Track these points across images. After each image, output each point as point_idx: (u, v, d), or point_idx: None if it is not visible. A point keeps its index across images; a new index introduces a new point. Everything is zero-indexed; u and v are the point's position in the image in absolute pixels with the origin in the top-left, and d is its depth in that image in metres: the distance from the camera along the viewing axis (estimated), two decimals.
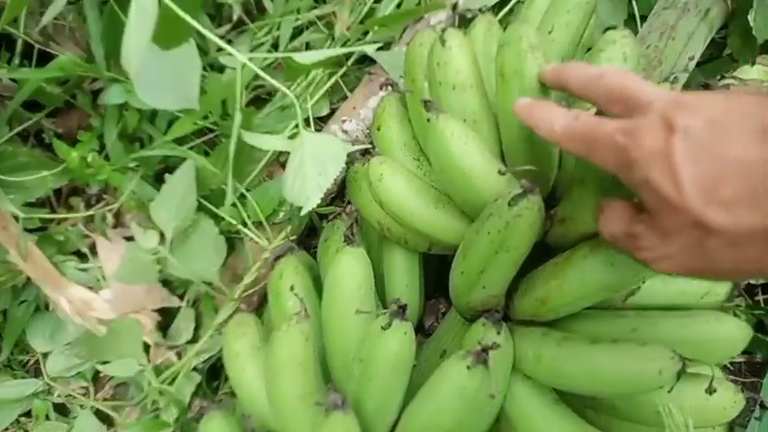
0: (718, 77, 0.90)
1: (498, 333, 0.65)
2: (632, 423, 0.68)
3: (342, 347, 0.66)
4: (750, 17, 0.84)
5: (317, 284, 0.81)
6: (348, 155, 0.73)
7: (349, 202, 0.82)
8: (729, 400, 0.66)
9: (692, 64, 0.86)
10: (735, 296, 0.71)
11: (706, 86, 0.88)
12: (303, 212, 0.66)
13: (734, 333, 0.66)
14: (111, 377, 1.12)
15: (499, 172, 0.60)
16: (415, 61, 0.77)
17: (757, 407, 0.70)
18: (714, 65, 0.94)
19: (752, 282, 1.09)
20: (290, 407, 0.65)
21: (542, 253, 0.70)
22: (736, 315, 0.85)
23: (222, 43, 0.72)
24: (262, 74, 0.76)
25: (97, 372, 1.12)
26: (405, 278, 0.82)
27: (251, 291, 0.99)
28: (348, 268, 0.67)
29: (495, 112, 0.73)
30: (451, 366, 0.60)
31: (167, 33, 0.74)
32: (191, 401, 0.96)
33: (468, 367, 0.58)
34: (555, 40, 0.78)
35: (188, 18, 0.71)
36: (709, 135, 0.41)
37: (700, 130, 0.41)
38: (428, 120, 0.66)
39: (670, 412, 0.62)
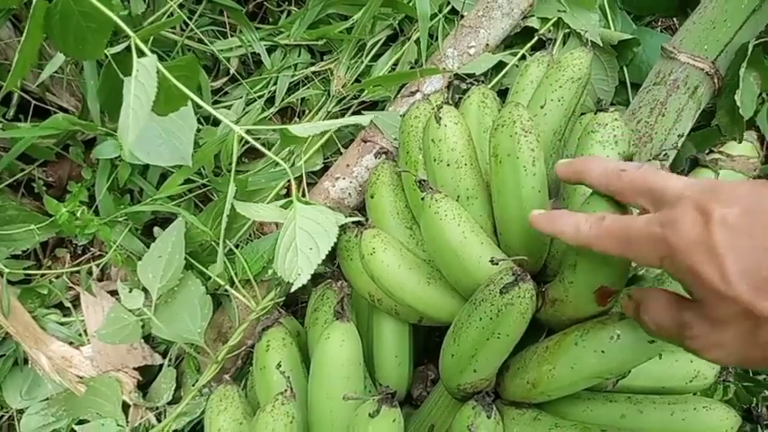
0: (707, 151, 0.92)
1: (489, 417, 0.64)
2: None
3: (328, 430, 0.65)
4: (737, 97, 0.86)
5: (305, 354, 0.80)
6: (348, 229, 0.73)
7: (339, 267, 0.82)
8: None
9: (681, 141, 0.87)
10: (721, 380, 0.71)
11: (695, 159, 0.90)
12: (294, 288, 0.65)
13: (723, 422, 0.66)
14: None
15: (491, 261, 0.59)
16: (410, 133, 0.78)
17: None
18: (703, 134, 0.95)
19: None
20: None
21: (534, 328, 0.69)
22: (725, 389, 0.84)
23: (218, 114, 0.72)
24: (251, 140, 0.76)
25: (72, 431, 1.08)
26: (394, 349, 0.81)
27: (235, 353, 0.97)
28: (336, 346, 0.66)
29: (488, 187, 0.73)
30: None
31: (166, 102, 0.74)
32: None
33: None
34: (547, 114, 0.80)
35: (185, 90, 0.71)
36: (747, 224, 0.42)
37: (737, 219, 0.42)
38: (422, 199, 0.66)
39: None
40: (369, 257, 0.70)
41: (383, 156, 0.83)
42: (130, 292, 0.93)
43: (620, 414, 0.65)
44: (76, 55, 0.78)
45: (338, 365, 0.65)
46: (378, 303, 0.78)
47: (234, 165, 0.91)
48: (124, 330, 0.92)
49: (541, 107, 0.80)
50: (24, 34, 0.72)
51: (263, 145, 1.20)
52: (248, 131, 1.12)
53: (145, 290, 0.94)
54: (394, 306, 0.77)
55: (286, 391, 0.63)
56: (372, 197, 0.81)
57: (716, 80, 0.90)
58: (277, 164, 1.13)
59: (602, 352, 0.60)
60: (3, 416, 1.10)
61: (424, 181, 0.66)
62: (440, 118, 0.71)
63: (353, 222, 0.79)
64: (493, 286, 0.59)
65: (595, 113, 0.76)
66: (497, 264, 0.60)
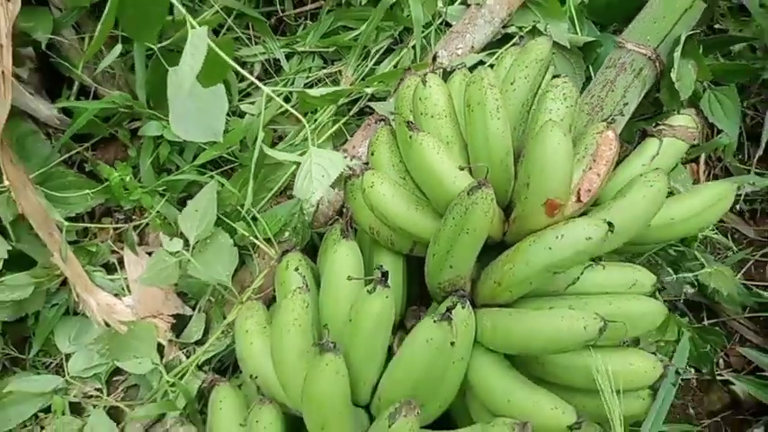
0: (654, 125, 1.10)
1: (463, 307, 0.80)
2: (569, 391, 0.81)
3: (335, 314, 0.81)
4: (673, 75, 1.05)
5: (317, 280, 0.96)
6: (349, 169, 0.91)
7: (344, 212, 0.99)
8: (650, 366, 0.80)
9: (627, 108, 1.06)
10: (659, 289, 0.86)
11: (644, 131, 1.08)
12: (313, 201, 0.83)
13: (652, 309, 0.81)
14: (124, 380, 1.24)
15: (459, 168, 0.77)
16: (403, 98, 0.97)
17: (673, 373, 0.83)
18: (653, 117, 1.14)
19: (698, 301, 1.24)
20: (291, 362, 0.79)
21: (502, 251, 0.86)
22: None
23: (252, 79, 0.92)
24: (280, 101, 0.95)
25: (111, 375, 1.24)
26: (391, 277, 0.96)
27: (258, 296, 1.14)
28: (343, 253, 0.83)
29: (465, 137, 0.92)
30: (422, 324, 0.75)
31: (210, 72, 0.94)
32: (200, 388, 1.08)
33: (434, 321, 0.73)
34: (516, 89, 0.99)
35: (227, 58, 0.91)
36: None
37: None
38: (410, 137, 0.84)
39: (599, 373, 0.76)
40: (369, 190, 0.88)
41: (381, 122, 1.01)
42: (171, 239, 1.11)
43: (568, 305, 0.81)
44: (137, 36, 0.99)
45: (344, 266, 0.82)
46: (377, 235, 0.95)
47: (260, 137, 1.10)
48: (164, 272, 1.09)
49: (511, 83, 0.99)
50: (103, 18, 0.93)
51: (280, 137, 1.41)
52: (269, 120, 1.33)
53: (183, 238, 1.11)
54: (390, 236, 0.94)
55: (302, 286, 0.80)
56: (373, 154, 0.99)
57: (657, 64, 1.09)
58: (294, 145, 1.33)
59: (550, 249, 0.77)
60: (51, 362, 1.27)
61: (411, 122, 0.85)
62: (426, 81, 0.91)
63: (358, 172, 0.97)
64: (462, 193, 0.76)
65: (552, 78, 0.94)
66: (464, 169, 0.77)
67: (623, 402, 0.79)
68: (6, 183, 1.07)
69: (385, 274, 0.76)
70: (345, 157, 0.95)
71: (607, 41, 1.32)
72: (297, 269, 0.87)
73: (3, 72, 1.01)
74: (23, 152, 1.18)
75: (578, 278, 0.85)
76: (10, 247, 1.14)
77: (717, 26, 1.33)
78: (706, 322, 1.25)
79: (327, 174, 0.84)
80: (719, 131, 1.23)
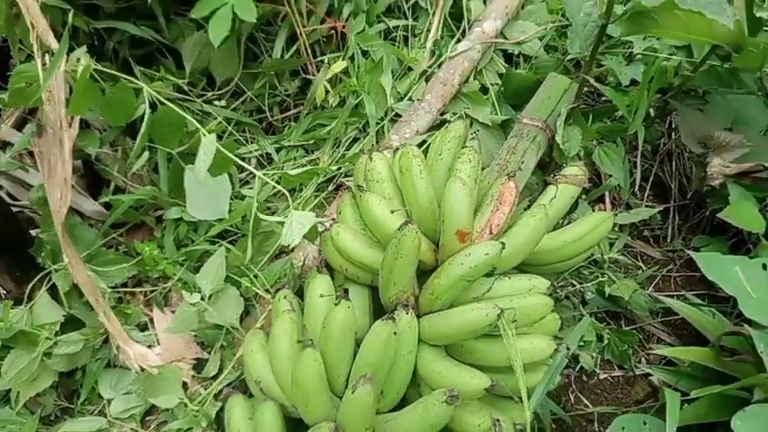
0: (552, 176, 1.46)
1: (407, 313, 1.11)
2: (490, 370, 1.10)
3: (313, 324, 1.12)
4: (558, 138, 1.42)
5: (303, 311, 1.27)
6: (323, 227, 1.25)
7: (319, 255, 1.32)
8: (545, 344, 1.09)
9: (524, 165, 1.41)
10: (553, 293, 1.17)
11: (545, 181, 1.44)
12: (292, 246, 1.16)
13: (539, 301, 1.11)
14: (155, 419, 1.51)
15: (391, 211, 1.12)
16: (358, 171, 1.34)
17: (566, 351, 1.12)
18: (551, 169, 1.50)
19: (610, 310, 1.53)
20: (282, 363, 1.09)
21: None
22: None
23: (249, 169, 1.29)
24: (269, 181, 1.31)
25: (144, 415, 1.51)
26: (359, 304, 1.28)
27: None
28: (317, 281, 1.16)
29: (401, 194, 1.27)
30: (374, 325, 1.05)
31: (217, 165, 1.30)
32: (217, 413, 1.35)
33: (382, 321, 1.04)
34: (443, 158, 1.35)
35: (230, 155, 1.28)
36: None
37: None
38: (360, 196, 1.19)
39: (510, 351, 1.06)
40: (335, 237, 1.21)
41: (347, 190, 1.37)
42: (191, 294, 1.43)
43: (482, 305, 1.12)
44: (164, 144, 1.37)
45: (318, 290, 1.14)
46: (346, 272, 1.27)
47: (255, 206, 1.45)
48: (187, 320, 1.40)
49: (439, 155, 1.36)
50: (140, 134, 1.31)
51: (273, 212, 1.76)
52: (265, 199, 1.68)
53: (200, 293, 1.43)
54: (355, 271, 1.26)
55: (289, 308, 1.11)
56: (340, 213, 1.34)
57: (548, 131, 1.47)
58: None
59: (462, 264, 1.09)
60: (95, 409, 1.54)
61: (361, 186, 1.20)
62: (371, 157, 1.27)
63: (329, 226, 1.32)
64: (396, 230, 1.10)
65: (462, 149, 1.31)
66: (394, 213, 1.11)
67: (528, 375, 1.08)
68: (65, 261, 1.41)
69: (346, 291, 1.08)
70: (320, 218, 1.29)
71: (516, 118, 1.71)
72: (285, 297, 1.19)
73: (66, 179, 1.38)
74: (74, 238, 1.52)
75: (491, 288, 1.16)
76: (65, 312, 1.46)
77: (604, 98, 1.72)
78: (625, 328, 1.53)
79: (303, 226, 1.18)
80: (610, 176, 1.58)
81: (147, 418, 1.52)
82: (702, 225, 1.62)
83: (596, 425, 1.42)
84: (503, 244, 1.10)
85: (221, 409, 1.42)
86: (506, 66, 1.91)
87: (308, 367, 1.01)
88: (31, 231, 1.52)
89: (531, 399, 1.07)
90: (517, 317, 1.07)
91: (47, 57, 1.36)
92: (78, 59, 1.43)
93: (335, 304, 1.07)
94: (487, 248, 1.09)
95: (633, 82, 1.67)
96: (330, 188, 1.79)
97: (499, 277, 1.18)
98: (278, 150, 1.87)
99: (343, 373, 1.10)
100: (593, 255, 1.54)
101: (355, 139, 1.86)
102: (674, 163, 1.67)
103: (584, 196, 1.61)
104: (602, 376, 1.48)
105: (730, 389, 1.10)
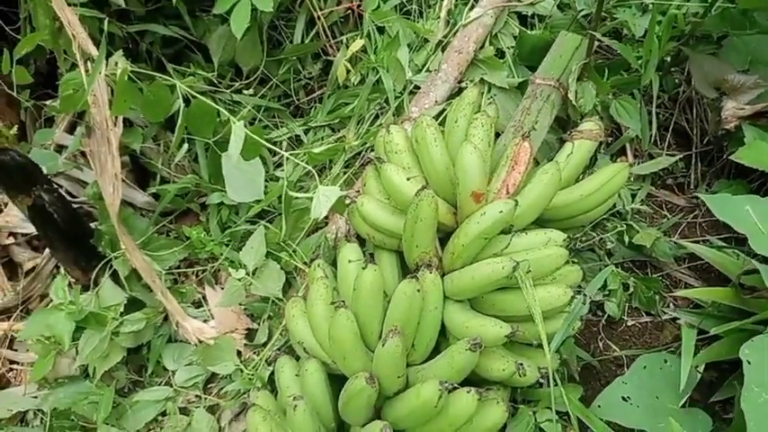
0: (568, 132, 1.50)
1: (430, 272, 1.20)
2: (512, 320, 1.17)
3: (345, 288, 1.22)
4: (571, 95, 1.45)
5: (336, 278, 1.38)
6: (348, 198, 1.35)
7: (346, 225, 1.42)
8: (561, 292, 1.16)
9: (539, 125, 1.45)
10: (569, 244, 1.23)
11: (561, 139, 1.48)
12: (318, 218, 1.26)
13: (553, 252, 1.17)
14: (217, 385, 1.67)
15: (407, 179, 1.20)
16: (378, 144, 1.42)
17: (584, 298, 1.18)
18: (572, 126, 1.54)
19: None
20: (319, 324, 1.20)
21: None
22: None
23: (278, 152, 1.39)
24: (295, 160, 1.41)
25: (206, 383, 1.67)
26: (389, 268, 1.37)
27: None
28: (346, 249, 1.26)
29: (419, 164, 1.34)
30: (400, 284, 1.15)
31: (249, 150, 1.41)
32: (271, 373, 1.49)
33: (408, 280, 1.13)
34: (459, 125, 1.41)
35: (259, 139, 1.38)
36: None
37: None
38: (379, 167, 1.28)
39: (529, 300, 1.13)
40: (360, 207, 1.31)
41: (370, 163, 1.45)
42: (237, 271, 1.56)
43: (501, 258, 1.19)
44: (200, 134, 1.49)
45: (347, 256, 1.25)
46: (373, 240, 1.36)
47: (285, 184, 1.56)
48: (235, 294, 1.54)
49: (455, 122, 1.43)
50: (178, 127, 1.43)
51: (306, 191, 1.87)
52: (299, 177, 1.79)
53: (245, 268, 1.56)
54: (382, 238, 1.35)
55: (323, 276, 1.22)
56: (365, 185, 1.43)
57: (561, 89, 1.50)
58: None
59: (478, 222, 1.17)
60: (161, 380, 1.71)
61: (380, 158, 1.28)
62: (389, 130, 1.35)
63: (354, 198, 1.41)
64: (414, 196, 1.18)
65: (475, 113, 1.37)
66: (410, 180, 1.19)
67: (548, 322, 1.15)
68: (122, 249, 1.56)
69: (372, 255, 1.17)
70: (345, 191, 1.39)
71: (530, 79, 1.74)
72: (319, 266, 1.30)
73: (116, 174, 1.52)
74: (128, 227, 1.67)
75: (509, 244, 1.23)
76: (127, 295, 1.62)
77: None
78: (652, 276, 1.57)
79: (329, 199, 1.28)
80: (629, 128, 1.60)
81: (209, 386, 1.68)
82: (726, 170, 1.62)
83: (626, 369, 1.47)
84: (516, 201, 1.17)
85: (273, 373, 1.56)
86: (521, 27, 1.93)
87: (342, 325, 1.12)
88: (91, 224, 1.69)
89: (552, 343, 1.14)
90: (532, 268, 1.14)
91: (89, 64, 1.49)
92: (116, 63, 1.56)
93: (363, 268, 1.17)
94: (501, 206, 1.16)
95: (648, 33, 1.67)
96: (357, 164, 1.88)
97: (517, 233, 1.25)
98: (306, 132, 1.97)
99: (376, 329, 1.20)
100: (615, 206, 1.58)
101: (378, 115, 1.93)
102: (694, 110, 1.67)
103: (603, 150, 1.64)
104: (629, 323, 1.53)
105: (746, 323, 1.14)
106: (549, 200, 1.25)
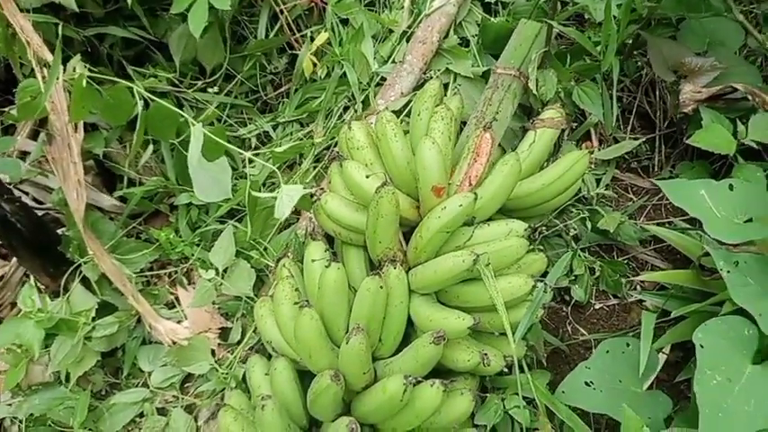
0: (531, 121, 1.50)
1: (395, 268, 1.21)
2: (476, 311, 1.19)
3: (310, 286, 1.23)
4: (531, 84, 1.46)
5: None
6: (313, 196, 1.35)
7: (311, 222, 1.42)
8: (523, 282, 1.17)
9: (501, 115, 1.46)
10: (529, 235, 1.24)
11: (524, 128, 1.49)
12: (281, 218, 1.26)
13: (515, 243, 1.19)
14: (194, 385, 1.67)
15: (366, 176, 1.20)
16: (341, 140, 1.42)
17: (544, 287, 1.20)
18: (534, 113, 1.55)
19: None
20: (286, 323, 1.21)
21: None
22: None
23: (248, 155, 1.38)
24: (256, 160, 1.41)
25: (182, 383, 1.67)
26: (356, 263, 1.38)
27: None
28: (311, 247, 1.26)
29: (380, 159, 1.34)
30: (364, 280, 1.16)
31: (211, 150, 1.40)
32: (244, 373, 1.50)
33: (371, 276, 1.14)
34: (422, 118, 1.41)
35: (220, 141, 1.38)
36: None
37: None
38: (340, 164, 1.28)
39: (491, 291, 1.15)
40: (324, 205, 1.31)
41: (336, 160, 1.45)
42: (207, 271, 1.56)
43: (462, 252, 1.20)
44: (162, 136, 1.48)
45: (311, 255, 1.25)
46: (339, 236, 1.37)
47: (248, 184, 1.55)
48: (206, 294, 1.54)
49: (418, 115, 1.43)
50: (137, 130, 1.42)
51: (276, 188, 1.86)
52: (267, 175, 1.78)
53: (215, 269, 1.56)
54: (347, 234, 1.36)
55: (289, 275, 1.22)
56: (330, 182, 1.43)
57: (522, 78, 1.51)
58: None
59: (439, 217, 1.18)
60: (138, 382, 1.71)
61: (340, 155, 1.28)
62: (350, 126, 1.35)
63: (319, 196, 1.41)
64: (374, 193, 1.18)
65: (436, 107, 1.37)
66: (369, 177, 1.20)
67: (511, 312, 1.17)
68: (91, 254, 1.55)
69: (335, 254, 1.18)
70: (307, 189, 1.38)
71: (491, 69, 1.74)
72: (285, 265, 1.31)
73: (79, 180, 1.51)
74: (97, 232, 1.66)
75: (471, 236, 1.25)
76: (98, 299, 1.62)
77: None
78: (618, 259, 1.59)
79: (292, 198, 1.28)
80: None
81: (185, 385, 1.68)
82: (689, 152, 1.64)
83: (594, 352, 1.50)
84: (476, 194, 1.18)
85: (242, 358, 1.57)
86: (485, 15, 1.92)
87: (307, 325, 1.13)
88: (60, 230, 1.67)
89: (516, 332, 1.16)
90: (492, 260, 1.16)
91: (45, 70, 1.47)
92: (74, 68, 1.54)
93: (326, 266, 1.18)
94: (461, 200, 1.17)
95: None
96: (327, 158, 1.87)
97: (479, 225, 1.26)
98: (275, 128, 1.96)
99: (342, 326, 1.21)
100: (580, 191, 1.59)
101: (346, 108, 1.92)
102: (656, 93, 1.68)
103: (566, 136, 1.65)
104: (597, 306, 1.56)
105: (704, 305, 1.17)
106: (510, 191, 1.26)
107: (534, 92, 1.47)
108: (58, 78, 1.44)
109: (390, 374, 1.15)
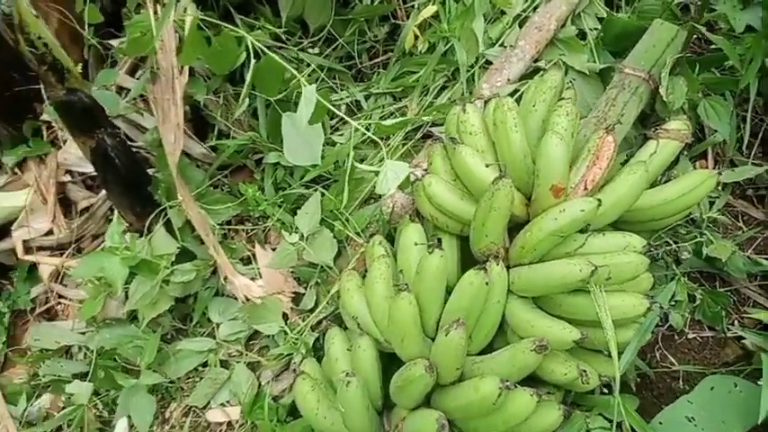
0: (653, 129, 1.41)
1: (497, 264, 1.15)
2: (578, 324, 1.12)
3: (407, 270, 1.19)
4: (662, 91, 1.35)
5: (394, 256, 1.34)
6: (415, 176, 1.30)
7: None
8: (638, 302, 1.10)
9: (625, 119, 1.37)
10: (648, 252, 1.16)
11: (644, 135, 1.39)
12: (386, 195, 1.22)
13: (634, 259, 1.11)
14: (257, 343, 1.67)
15: (486, 165, 1.14)
16: (450, 122, 1.35)
17: (659, 310, 1.12)
18: (652, 122, 1.44)
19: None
20: (378, 303, 1.17)
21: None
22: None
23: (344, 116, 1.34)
24: (362, 129, 1.36)
25: (248, 340, 1.67)
26: (448, 252, 1.32)
27: None
28: (411, 229, 1.22)
29: (494, 146, 1.28)
30: (467, 273, 1.10)
31: (314, 114, 1.36)
32: (316, 339, 1.48)
33: (475, 270, 1.09)
34: (537, 110, 1.33)
35: (326, 104, 1.33)
36: None
37: None
38: (453, 148, 1.22)
39: (600, 308, 1.08)
40: (427, 187, 1.26)
41: (437, 141, 1.39)
42: (290, 234, 1.53)
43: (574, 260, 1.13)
44: (265, 91, 1.44)
45: (413, 236, 1.20)
46: (436, 221, 1.32)
47: (351, 155, 1.50)
48: (287, 257, 1.52)
49: (533, 106, 1.34)
50: (247, 82, 1.39)
51: (362, 159, 1.82)
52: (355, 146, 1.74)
53: (299, 233, 1.54)
54: (445, 221, 1.30)
55: (384, 254, 1.18)
56: (431, 164, 1.37)
57: (651, 83, 1.40)
58: (372, 164, 1.74)
59: (555, 219, 1.11)
60: (204, 331, 1.72)
61: (454, 138, 1.22)
62: (465, 109, 1.28)
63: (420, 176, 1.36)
64: (490, 184, 1.12)
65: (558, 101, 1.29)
66: (489, 167, 1.13)
67: (618, 331, 1.10)
68: (180, 198, 1.54)
69: (440, 240, 1.13)
70: (411, 168, 1.33)
71: (616, 68, 1.63)
72: (380, 243, 1.26)
73: (178, 123, 1.49)
74: (185, 178, 1.65)
75: (584, 244, 1.17)
76: (179, 245, 1.62)
77: (713, 46, 1.60)
78: (720, 289, 1.49)
79: (397, 176, 1.23)
80: (715, 131, 1.50)
81: (250, 342, 1.68)
82: None
83: (681, 383, 1.42)
84: (599, 201, 1.11)
85: (317, 339, 1.55)
86: (607, 9, 1.80)
87: (404, 308, 1.09)
88: (147, 171, 1.68)
89: (624, 355, 1.10)
90: (611, 274, 1.09)
91: (157, 6, 1.45)
92: (185, 9, 1.51)
93: (429, 252, 1.13)
94: (583, 205, 1.10)
95: (748, 29, 1.54)
96: (417, 137, 1.81)
97: (593, 233, 1.19)
98: (366, 98, 1.90)
99: (434, 316, 1.17)
100: (690, 213, 1.49)
101: (444, 87, 1.85)
102: None
103: (685, 152, 1.54)
104: (690, 336, 1.47)
105: None
106: (633, 202, 1.18)
107: (664, 99, 1.37)
108: (169, 18, 1.42)
109: (480, 374, 1.10)
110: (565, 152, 1.12)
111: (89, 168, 1.66)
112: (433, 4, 1.84)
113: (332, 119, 1.89)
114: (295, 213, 1.67)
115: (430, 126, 1.78)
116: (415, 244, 1.19)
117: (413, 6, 1.87)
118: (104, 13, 1.82)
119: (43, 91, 1.59)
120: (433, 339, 1.20)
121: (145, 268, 1.52)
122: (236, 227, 1.75)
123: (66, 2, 1.47)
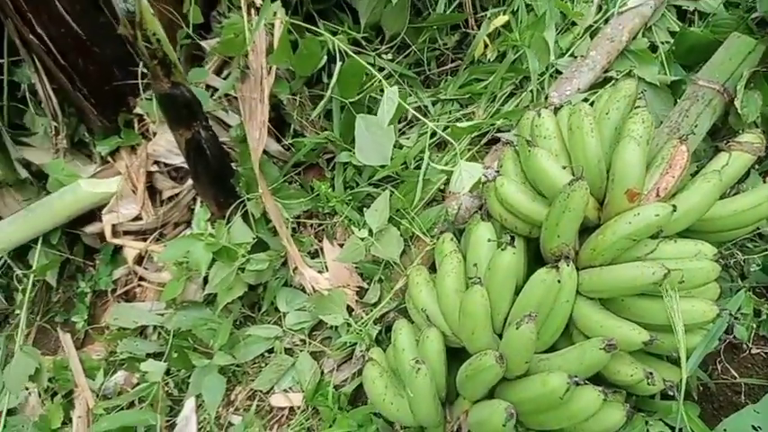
0: (725, 142, 1.41)
1: (567, 265, 1.19)
2: (646, 327, 1.14)
3: (479, 266, 1.24)
4: (737, 103, 1.36)
5: (462, 254, 1.39)
6: (486, 178, 1.35)
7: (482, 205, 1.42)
8: (708, 308, 1.11)
9: (698, 129, 1.38)
10: (718, 259, 1.18)
11: (716, 147, 1.40)
12: (463, 193, 1.27)
13: (706, 266, 1.13)
14: (320, 334, 1.75)
15: (563, 167, 1.18)
16: (524, 126, 1.40)
17: (728, 317, 1.13)
18: (722, 135, 1.45)
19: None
20: (449, 296, 1.22)
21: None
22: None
23: (416, 115, 1.40)
24: (440, 132, 1.42)
25: (311, 330, 1.75)
26: (517, 252, 1.37)
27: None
28: (483, 227, 1.27)
29: (569, 151, 1.32)
30: (539, 271, 1.15)
31: (394, 116, 1.43)
32: (379, 331, 1.54)
33: (547, 269, 1.13)
34: (610, 118, 1.36)
35: (407, 106, 1.40)
36: None
37: None
38: (529, 150, 1.27)
39: (670, 311, 1.10)
40: (499, 187, 1.31)
41: (508, 145, 1.44)
42: (359, 230, 1.61)
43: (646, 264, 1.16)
44: (346, 93, 1.53)
45: (485, 235, 1.25)
46: (505, 222, 1.36)
47: (427, 154, 1.57)
48: (356, 252, 1.59)
49: (606, 114, 1.37)
50: (332, 85, 1.48)
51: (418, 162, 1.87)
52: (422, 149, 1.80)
53: (367, 229, 1.61)
54: (514, 222, 1.35)
55: (454, 249, 1.24)
56: (502, 166, 1.42)
57: (725, 95, 1.41)
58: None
59: (629, 222, 1.14)
60: (271, 319, 1.81)
61: (529, 141, 1.27)
62: (540, 113, 1.33)
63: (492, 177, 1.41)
64: (565, 184, 1.16)
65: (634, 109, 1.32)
66: (565, 168, 1.17)
67: (685, 336, 1.12)
68: (259, 191, 1.64)
69: (513, 238, 1.17)
70: (485, 170, 1.39)
71: (690, 80, 1.64)
72: (451, 240, 1.32)
73: (264, 121, 1.60)
74: (263, 173, 1.76)
75: (655, 248, 1.20)
76: (255, 235, 1.72)
77: None
78: None
79: (471, 176, 1.28)
80: None
81: (313, 332, 1.76)
82: None
83: (743, 397, 1.42)
84: (674, 207, 1.13)
85: (380, 333, 1.62)
86: (679, 23, 1.82)
87: (477, 301, 1.14)
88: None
89: (690, 360, 1.11)
90: (683, 278, 1.11)
91: (252, 10, 1.56)
92: (275, 13, 1.62)
93: (501, 249, 1.18)
94: (658, 210, 1.13)
95: None
96: (483, 142, 1.86)
97: (664, 240, 1.21)
98: (434, 104, 1.97)
99: (503, 312, 1.21)
100: (758, 228, 1.49)
101: (511, 95, 1.89)
102: None
103: (756, 166, 1.54)
104: (754, 351, 1.46)
105: None
106: (706, 210, 1.20)
107: (739, 111, 1.38)
108: (263, 20, 1.53)
109: (548, 370, 1.14)
110: (641, 157, 1.16)
111: (176, 160, 1.78)
112: (505, 14, 1.90)
113: (400, 122, 1.96)
114: (362, 211, 1.74)
115: (496, 132, 1.83)
116: (489, 240, 1.24)
117: (484, 15, 1.93)
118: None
119: (140, 86, 1.72)
120: (499, 336, 1.24)
121: (225, 255, 1.62)
122: (305, 221, 1.84)
123: (173, 2, 1.59)
